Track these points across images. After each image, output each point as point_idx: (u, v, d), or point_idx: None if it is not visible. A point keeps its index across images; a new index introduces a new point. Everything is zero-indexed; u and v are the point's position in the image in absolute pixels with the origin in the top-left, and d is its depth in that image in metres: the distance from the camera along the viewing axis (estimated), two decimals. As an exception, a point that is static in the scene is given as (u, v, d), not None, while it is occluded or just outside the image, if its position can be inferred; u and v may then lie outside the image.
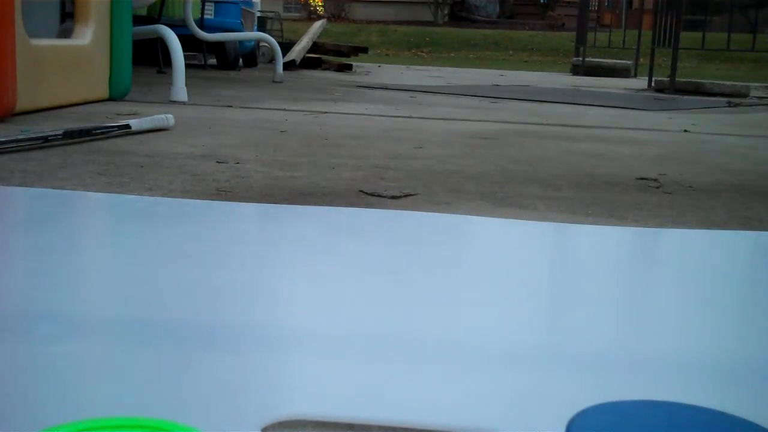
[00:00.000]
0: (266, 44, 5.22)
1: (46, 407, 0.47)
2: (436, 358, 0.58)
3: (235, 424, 0.46)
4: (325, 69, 6.29)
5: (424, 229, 1.04)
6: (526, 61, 11.52)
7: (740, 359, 0.61)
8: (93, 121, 1.97)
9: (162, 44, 3.33)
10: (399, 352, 0.59)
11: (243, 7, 5.62)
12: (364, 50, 7.66)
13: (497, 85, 4.99)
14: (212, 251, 0.86)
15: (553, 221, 1.10)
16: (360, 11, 19.72)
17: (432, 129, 2.26)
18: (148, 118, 1.84)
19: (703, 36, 5.35)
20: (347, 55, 7.13)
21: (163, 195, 1.14)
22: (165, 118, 1.87)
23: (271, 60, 5.08)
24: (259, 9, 6.82)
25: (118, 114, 2.14)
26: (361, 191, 1.24)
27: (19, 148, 1.46)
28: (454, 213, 1.12)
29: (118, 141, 1.65)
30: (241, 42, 5.50)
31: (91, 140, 1.63)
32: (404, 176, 1.41)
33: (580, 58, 7.60)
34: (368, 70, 6.76)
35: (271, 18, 7.55)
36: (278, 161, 1.51)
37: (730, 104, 4.06)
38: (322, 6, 20.83)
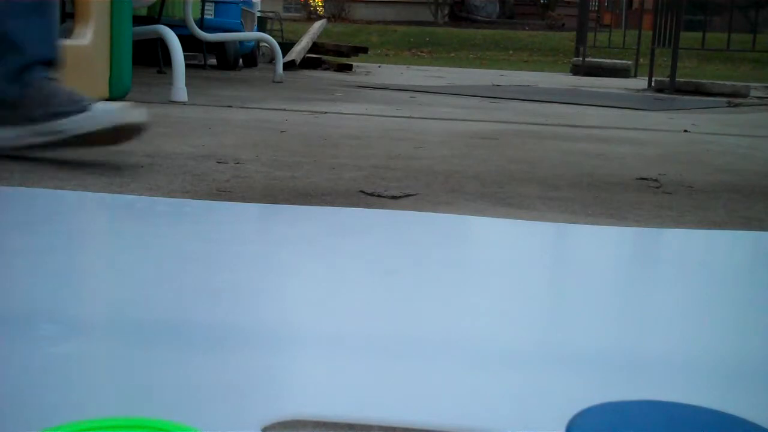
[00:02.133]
0: (266, 44, 5.22)
1: (46, 407, 0.47)
2: (436, 358, 0.58)
3: (235, 424, 0.46)
4: (325, 69, 6.29)
5: (424, 229, 1.04)
6: (526, 61, 11.52)
7: (740, 359, 0.61)
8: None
9: (162, 44, 3.33)
10: (399, 352, 0.59)
11: (243, 7, 5.62)
12: (364, 50, 7.65)
13: (497, 85, 4.99)
14: (212, 251, 0.86)
15: (553, 221, 1.10)
16: (360, 11, 19.70)
17: (432, 129, 2.26)
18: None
19: (703, 36, 5.36)
20: (347, 55, 7.12)
21: (163, 195, 1.14)
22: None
23: (271, 60, 5.08)
24: (259, 9, 6.82)
25: (118, 114, 2.14)
26: (361, 191, 1.24)
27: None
28: (454, 213, 1.12)
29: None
30: (241, 42, 5.50)
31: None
32: (404, 176, 1.41)
33: (580, 58, 7.60)
34: (368, 71, 6.76)
35: (271, 18, 7.55)
36: (278, 161, 1.51)
37: (730, 104, 4.06)
38: (322, 6, 20.82)
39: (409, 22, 18.22)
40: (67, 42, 2.25)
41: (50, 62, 1.38)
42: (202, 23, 4.63)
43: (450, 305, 0.72)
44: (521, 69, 9.07)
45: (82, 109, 1.32)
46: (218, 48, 5.23)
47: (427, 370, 0.56)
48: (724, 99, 4.42)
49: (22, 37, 1.33)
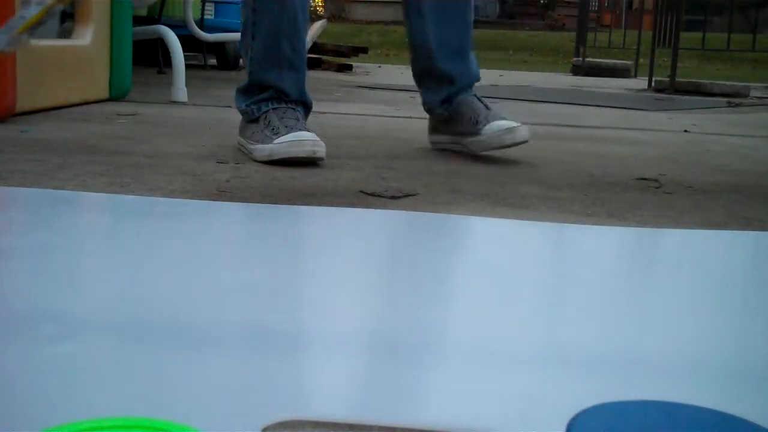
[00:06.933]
0: (266, 44, 5.21)
1: (46, 407, 0.47)
2: (436, 358, 0.58)
3: (235, 424, 0.46)
4: (325, 69, 6.29)
5: (424, 229, 1.04)
6: (526, 62, 11.51)
7: (740, 359, 0.61)
8: (93, 121, 1.97)
9: (162, 45, 3.33)
10: (399, 353, 0.59)
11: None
12: (364, 50, 7.65)
13: (496, 86, 4.99)
14: (212, 252, 0.86)
15: (553, 221, 1.10)
16: (360, 11, 19.70)
17: (432, 129, 2.25)
18: None
19: (703, 36, 5.36)
20: (347, 56, 7.12)
21: (163, 195, 1.14)
22: None
23: (271, 60, 5.06)
24: (259, 9, 6.80)
25: (119, 114, 2.14)
26: (361, 191, 1.24)
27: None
28: (454, 213, 1.12)
29: (119, 141, 1.65)
30: (241, 42, 5.49)
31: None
32: (404, 176, 1.41)
33: (580, 59, 7.60)
34: (368, 71, 6.76)
35: (271, 18, 7.52)
36: (278, 161, 1.51)
37: (730, 104, 4.05)
38: (322, 6, 20.82)
39: (409, 23, 18.16)
40: (67, 42, 2.25)
41: (471, 84, 1.77)
42: (202, 23, 4.63)
43: (450, 305, 0.72)
44: (521, 69, 9.06)
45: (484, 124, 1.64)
46: (218, 48, 5.23)
47: (427, 371, 0.56)
48: (724, 99, 4.41)
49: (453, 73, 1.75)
